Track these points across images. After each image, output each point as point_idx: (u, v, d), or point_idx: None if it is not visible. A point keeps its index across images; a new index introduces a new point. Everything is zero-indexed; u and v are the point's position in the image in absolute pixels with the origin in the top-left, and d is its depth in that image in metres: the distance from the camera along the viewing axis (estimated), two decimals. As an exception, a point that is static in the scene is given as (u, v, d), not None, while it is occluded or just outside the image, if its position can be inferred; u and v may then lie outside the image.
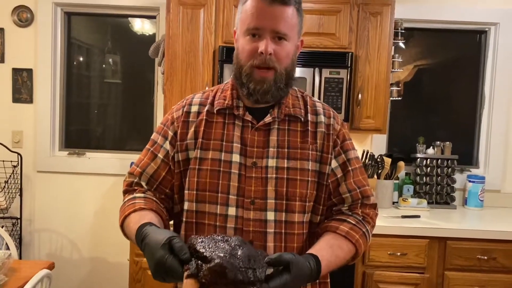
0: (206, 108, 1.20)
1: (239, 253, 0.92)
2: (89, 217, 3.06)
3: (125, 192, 1.24)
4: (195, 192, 1.15)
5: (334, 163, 1.19)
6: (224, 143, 1.15)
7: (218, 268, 0.88)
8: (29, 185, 3.04)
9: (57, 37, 3.01)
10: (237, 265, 0.90)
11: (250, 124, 1.16)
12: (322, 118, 1.20)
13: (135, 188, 1.22)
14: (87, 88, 3.17)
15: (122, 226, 1.15)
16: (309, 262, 1.01)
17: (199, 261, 0.91)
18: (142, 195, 1.19)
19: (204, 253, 0.91)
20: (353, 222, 1.17)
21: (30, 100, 3.00)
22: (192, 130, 1.18)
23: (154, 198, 1.19)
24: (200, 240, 0.95)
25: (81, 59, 3.18)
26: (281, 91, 1.14)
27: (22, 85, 2.99)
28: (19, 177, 2.93)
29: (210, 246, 0.93)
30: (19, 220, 2.95)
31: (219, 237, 0.97)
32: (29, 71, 2.98)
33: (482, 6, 2.91)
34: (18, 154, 2.92)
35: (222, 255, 0.90)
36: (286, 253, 0.99)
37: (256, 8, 1.09)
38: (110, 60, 3.17)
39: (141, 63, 3.09)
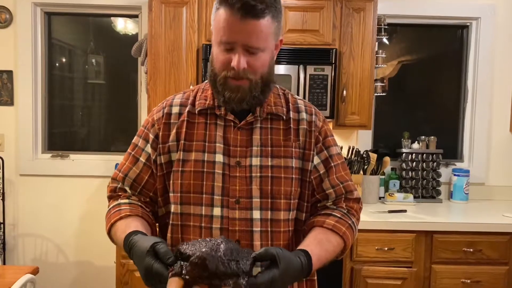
0: (187, 109, 1.18)
1: (221, 247, 0.93)
2: (74, 220, 3.01)
3: (110, 198, 1.23)
4: (179, 194, 1.14)
5: (316, 160, 1.19)
6: (206, 143, 1.14)
7: (198, 260, 0.89)
8: (11, 189, 2.98)
9: (37, 38, 2.96)
10: (218, 256, 0.90)
11: (232, 124, 1.15)
12: (304, 115, 1.20)
13: (119, 193, 1.21)
14: (70, 89, 3.12)
15: (109, 234, 1.15)
16: (299, 257, 1.01)
17: (183, 262, 0.92)
18: (126, 201, 1.18)
19: (188, 253, 0.92)
20: (339, 215, 1.17)
21: (11, 103, 2.94)
22: (174, 132, 1.16)
23: (139, 203, 1.18)
24: (185, 244, 0.96)
25: (63, 60, 3.13)
26: (256, 99, 1.12)
27: (2, 87, 2.93)
28: (1, 181, 2.88)
29: (194, 246, 0.94)
30: (2, 225, 2.90)
31: (204, 239, 0.98)
32: (9, 73, 2.93)
33: (463, 1, 2.93)
34: (0, 157, 2.87)
35: (204, 250, 0.91)
36: (272, 247, 0.98)
37: (228, 22, 1.04)
38: (93, 60, 3.12)
39: (125, 63, 3.06)
